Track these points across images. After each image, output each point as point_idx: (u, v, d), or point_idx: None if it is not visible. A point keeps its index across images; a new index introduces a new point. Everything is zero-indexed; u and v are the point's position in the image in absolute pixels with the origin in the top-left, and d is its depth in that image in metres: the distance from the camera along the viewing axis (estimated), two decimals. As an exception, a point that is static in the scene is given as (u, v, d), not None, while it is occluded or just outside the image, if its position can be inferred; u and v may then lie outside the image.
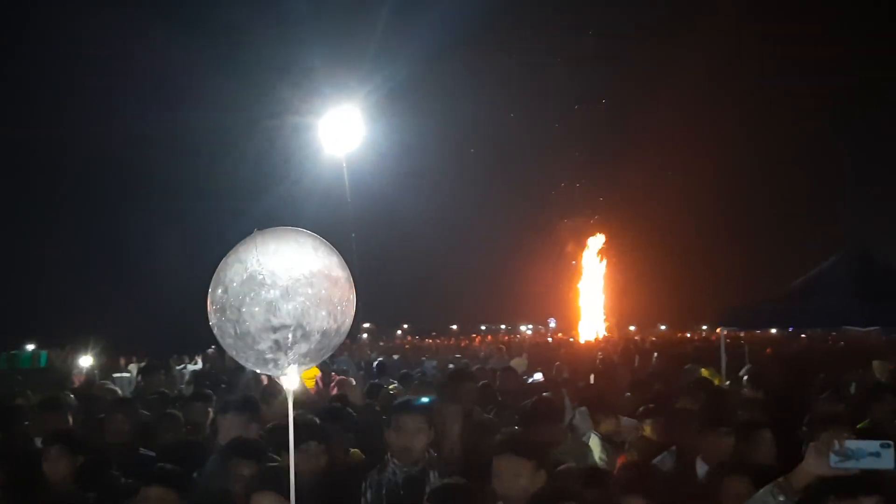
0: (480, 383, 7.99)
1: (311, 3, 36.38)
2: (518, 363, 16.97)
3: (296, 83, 32.01)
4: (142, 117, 33.02)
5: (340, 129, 27.40)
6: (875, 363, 11.45)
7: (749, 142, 46.98)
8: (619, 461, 6.05)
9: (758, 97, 50.60)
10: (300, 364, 2.59)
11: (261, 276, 2.51)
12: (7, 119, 32.49)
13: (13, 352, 25.64)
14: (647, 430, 6.68)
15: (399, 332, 47.38)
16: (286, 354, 2.53)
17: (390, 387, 9.91)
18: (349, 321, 2.67)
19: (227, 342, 2.57)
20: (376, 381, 11.60)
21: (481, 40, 46.06)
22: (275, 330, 2.49)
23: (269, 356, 2.53)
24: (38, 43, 32.06)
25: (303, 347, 2.53)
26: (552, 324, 58.24)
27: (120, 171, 35.50)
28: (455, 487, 3.92)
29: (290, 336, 2.50)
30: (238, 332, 2.49)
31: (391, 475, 4.57)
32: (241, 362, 2.62)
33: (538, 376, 12.93)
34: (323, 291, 2.55)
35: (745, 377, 9.95)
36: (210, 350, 18.31)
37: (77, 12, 31.29)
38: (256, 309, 2.47)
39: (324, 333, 2.57)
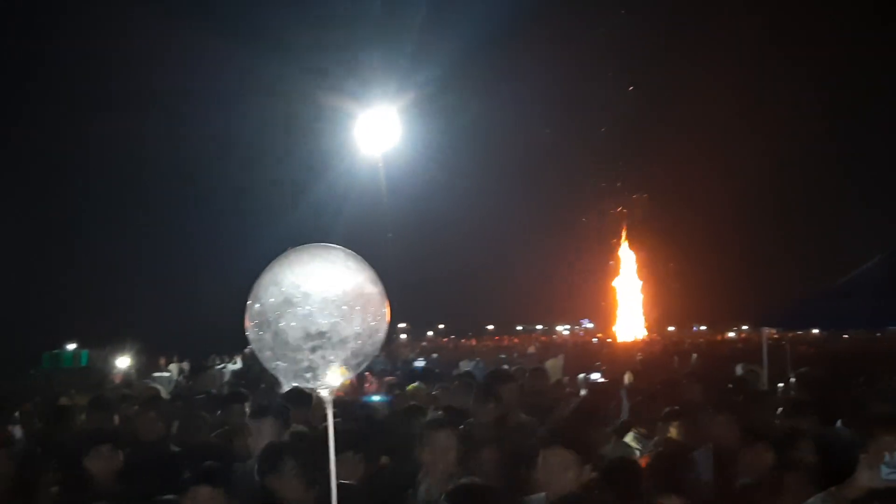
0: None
1: (350, 4, 36.53)
2: (553, 364, 16.87)
3: (333, 84, 32.17)
4: (180, 121, 33.37)
5: (377, 130, 27.46)
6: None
7: (792, 140, 46.27)
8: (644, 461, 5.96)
9: (802, 95, 49.90)
10: (336, 378, 2.61)
11: (297, 299, 2.53)
12: (54, 125, 33.00)
13: (55, 351, 26.02)
14: (673, 432, 6.56)
15: (430, 332, 47.24)
16: (322, 368, 2.56)
17: (410, 386, 9.81)
18: (382, 334, 2.68)
19: (265, 355, 2.61)
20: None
21: (516, 40, 45.96)
22: (311, 346, 2.51)
23: (307, 372, 2.56)
24: (89, 46, 32.49)
25: (338, 360, 2.54)
26: (587, 324, 58.10)
27: (160, 174, 35.89)
28: (472, 487, 3.85)
29: (325, 350, 2.52)
30: (275, 347, 2.53)
31: (428, 485, 4.51)
32: (280, 377, 2.64)
33: (595, 376, 12.82)
34: (357, 307, 2.55)
35: (793, 379, 9.75)
36: (248, 350, 18.43)
37: (113, 15, 31.68)
38: (293, 324, 2.50)
39: (358, 344, 2.58)
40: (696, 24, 51.82)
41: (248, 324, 2.62)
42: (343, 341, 2.57)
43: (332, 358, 2.58)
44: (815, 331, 25.55)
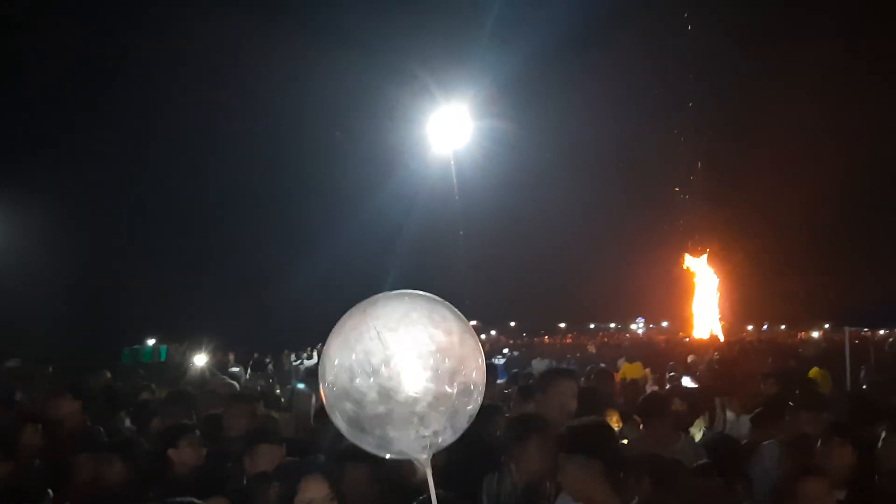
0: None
1: (422, 3, 36.68)
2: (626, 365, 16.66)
3: (404, 82, 32.30)
4: (256, 123, 33.89)
5: (449, 128, 27.47)
6: None
7: (868, 138, 44.95)
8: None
9: (880, 94, 48.49)
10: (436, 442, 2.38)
11: (391, 384, 2.24)
12: (138, 128, 33.90)
13: (135, 346, 26.70)
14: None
15: (493, 331, 46.79)
16: (422, 439, 2.33)
17: None
18: (482, 388, 2.46)
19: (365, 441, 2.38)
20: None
21: (593, 38, 45.57)
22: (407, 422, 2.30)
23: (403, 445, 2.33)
24: (176, 47, 33.29)
25: (438, 425, 2.34)
26: (647, 324, 57.38)
27: (237, 175, 36.50)
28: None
29: (424, 422, 2.30)
30: (360, 420, 2.31)
31: (510, 486, 4.44)
32: (366, 447, 2.40)
33: (686, 381, 12.59)
34: (447, 364, 2.27)
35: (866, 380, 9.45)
36: (321, 346, 18.58)
37: (189, 17, 32.31)
38: (376, 398, 2.27)
39: (456, 405, 2.35)
40: (774, 24, 50.86)
41: (343, 426, 2.37)
42: (439, 413, 2.25)
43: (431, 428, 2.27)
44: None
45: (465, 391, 2.29)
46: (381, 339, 2.26)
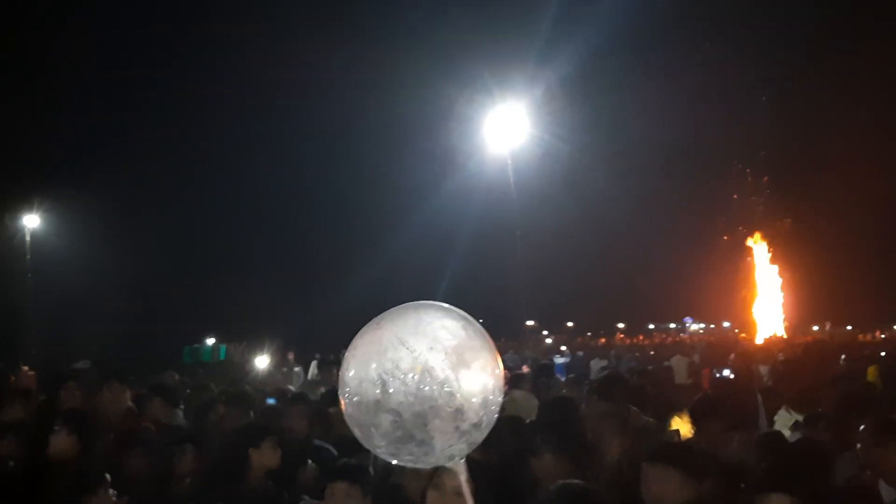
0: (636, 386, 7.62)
1: (480, 2, 36.61)
2: (678, 362, 16.40)
3: (462, 81, 32.25)
4: (315, 125, 34.09)
5: (505, 127, 27.35)
6: None
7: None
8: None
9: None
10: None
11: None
12: (194, 133, 34.38)
13: (195, 346, 27.04)
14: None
15: (548, 340, 46.21)
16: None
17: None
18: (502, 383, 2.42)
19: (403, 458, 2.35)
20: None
21: (651, 38, 45.15)
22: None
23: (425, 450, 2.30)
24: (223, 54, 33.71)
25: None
26: (724, 324, 56.41)
27: (292, 175, 36.79)
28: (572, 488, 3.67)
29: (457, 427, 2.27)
30: (402, 428, 2.27)
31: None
32: (404, 460, 2.37)
33: (726, 372, 12.26)
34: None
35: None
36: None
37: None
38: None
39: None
40: (836, 23, 49.85)
41: (380, 443, 2.35)
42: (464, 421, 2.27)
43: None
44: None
45: (496, 382, 2.32)
46: (405, 345, 2.28)
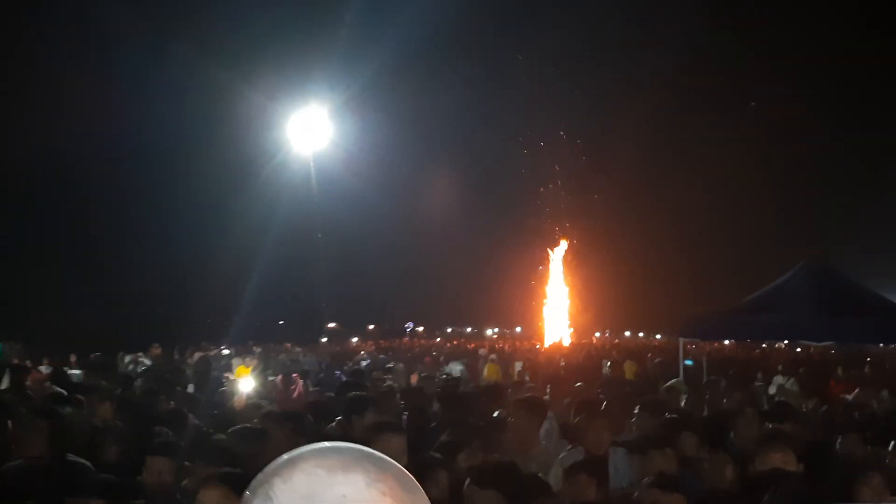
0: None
1: (282, 4, 36.30)
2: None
3: (264, 84, 31.85)
4: (110, 126, 32.41)
5: (308, 129, 27.44)
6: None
7: (714, 150, 46.95)
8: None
9: (724, 104, 50.92)
10: None
11: None
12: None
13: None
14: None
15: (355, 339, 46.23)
16: None
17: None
18: None
19: None
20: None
21: (451, 40, 45.92)
22: None
23: None
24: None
25: None
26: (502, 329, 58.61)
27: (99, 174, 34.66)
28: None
29: None
30: None
31: None
32: None
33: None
34: None
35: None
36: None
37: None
38: None
39: None
40: (628, 30, 52.03)
41: None
42: None
43: None
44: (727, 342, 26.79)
45: None
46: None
